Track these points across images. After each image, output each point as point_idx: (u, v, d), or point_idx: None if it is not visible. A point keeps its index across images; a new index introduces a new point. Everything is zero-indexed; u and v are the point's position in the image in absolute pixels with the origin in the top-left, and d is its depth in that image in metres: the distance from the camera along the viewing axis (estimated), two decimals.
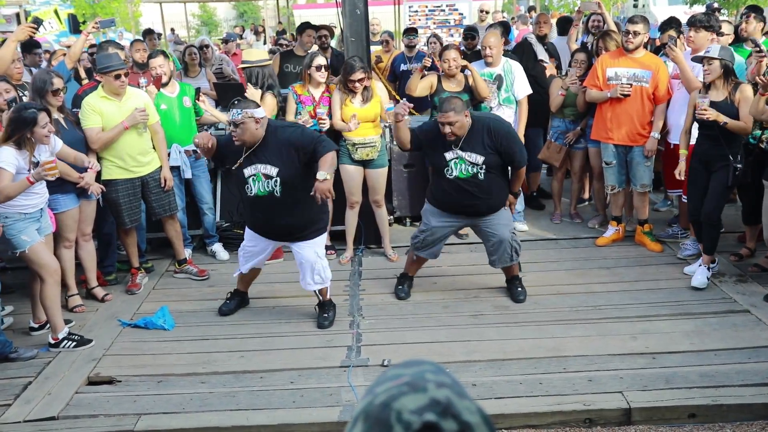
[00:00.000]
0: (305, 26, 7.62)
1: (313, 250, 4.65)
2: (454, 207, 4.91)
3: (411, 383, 0.81)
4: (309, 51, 7.02)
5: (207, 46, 8.57)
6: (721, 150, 5.02)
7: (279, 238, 4.75)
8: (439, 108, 4.80)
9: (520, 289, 5.15)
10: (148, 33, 10.26)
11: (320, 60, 5.75)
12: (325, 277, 4.74)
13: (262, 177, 4.44)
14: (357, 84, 5.56)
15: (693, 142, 5.58)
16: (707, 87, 5.11)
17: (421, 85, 6.03)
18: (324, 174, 4.22)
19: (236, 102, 4.45)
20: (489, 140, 4.73)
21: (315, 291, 4.82)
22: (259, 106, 4.49)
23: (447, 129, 4.63)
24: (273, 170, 4.41)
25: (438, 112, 4.82)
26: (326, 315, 4.87)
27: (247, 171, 4.46)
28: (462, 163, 4.75)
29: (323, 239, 4.81)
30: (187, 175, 5.93)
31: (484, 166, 4.73)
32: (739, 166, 5.00)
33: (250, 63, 6.02)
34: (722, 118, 4.91)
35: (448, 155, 4.76)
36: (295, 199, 4.47)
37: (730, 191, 5.30)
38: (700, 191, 5.25)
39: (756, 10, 6.27)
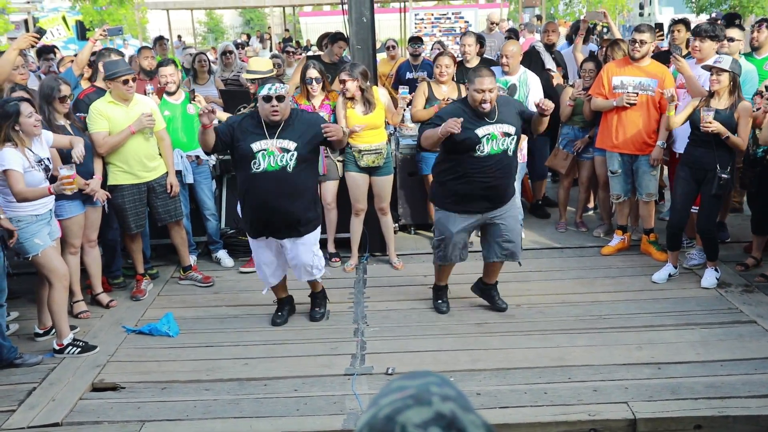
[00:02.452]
0: (339, 37, 7.63)
1: (310, 250, 4.69)
2: (478, 195, 4.62)
3: (416, 396, 0.81)
4: (335, 61, 7.11)
5: (230, 52, 8.65)
6: (712, 158, 5.07)
7: (277, 225, 4.56)
8: (471, 79, 4.54)
9: (498, 296, 5.12)
10: (159, 39, 10.33)
11: (312, 72, 5.77)
12: (321, 266, 4.86)
13: (275, 151, 4.41)
14: (346, 85, 5.56)
15: (681, 150, 5.62)
16: (711, 95, 5.13)
17: (419, 101, 6.05)
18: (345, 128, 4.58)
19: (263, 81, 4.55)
20: (515, 108, 4.68)
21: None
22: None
23: (487, 96, 4.41)
24: (292, 144, 4.42)
25: (468, 82, 4.58)
26: (318, 309, 5.01)
27: (256, 146, 4.40)
28: (494, 139, 4.51)
29: (317, 235, 4.80)
30: (189, 179, 5.96)
31: (514, 138, 4.58)
32: (724, 176, 5.03)
33: (256, 73, 6.04)
34: (726, 132, 4.94)
35: (481, 131, 4.49)
36: (301, 180, 4.51)
37: (719, 201, 5.31)
38: (682, 200, 5.35)
39: (767, 21, 6.32)
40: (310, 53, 9.39)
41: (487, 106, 4.47)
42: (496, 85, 4.53)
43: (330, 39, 7.79)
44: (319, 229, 4.83)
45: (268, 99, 4.35)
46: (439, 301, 5.15)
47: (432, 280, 5.58)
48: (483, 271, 5.12)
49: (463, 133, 4.42)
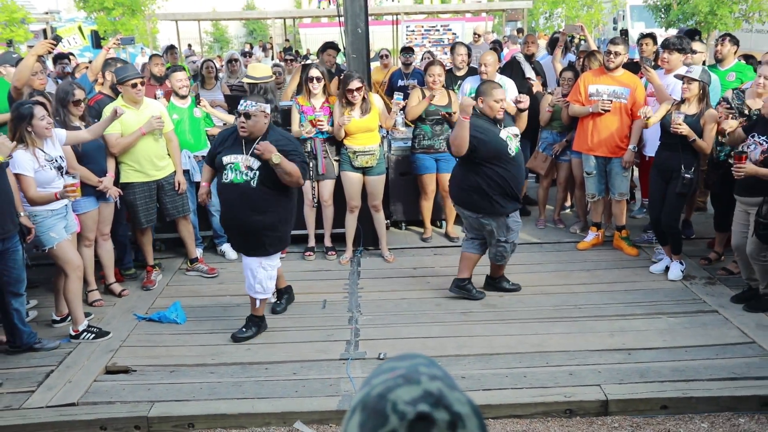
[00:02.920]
0: (328, 45, 7.64)
1: (259, 261, 4.39)
2: (513, 194, 4.80)
3: (406, 376, 0.81)
4: (328, 68, 7.08)
5: (236, 60, 8.64)
6: (678, 160, 5.11)
7: (240, 236, 4.40)
8: (487, 92, 4.70)
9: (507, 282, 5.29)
10: (171, 48, 10.30)
11: (314, 72, 5.78)
12: (267, 288, 4.48)
13: (241, 167, 4.21)
14: (355, 93, 5.56)
15: (650, 154, 5.66)
16: (682, 101, 5.17)
17: (414, 101, 6.06)
18: (278, 157, 4.06)
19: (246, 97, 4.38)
20: (508, 114, 4.92)
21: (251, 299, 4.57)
22: (268, 102, 4.41)
23: (503, 104, 4.72)
24: (255, 164, 4.18)
25: (484, 95, 4.72)
26: (245, 329, 4.59)
27: (226, 159, 4.23)
28: (511, 140, 4.74)
29: (276, 258, 4.50)
30: (197, 178, 5.94)
31: (519, 137, 4.88)
32: (687, 176, 5.09)
33: (254, 78, 6.04)
34: (693, 135, 4.98)
35: (503, 134, 4.71)
36: (263, 197, 4.23)
37: (683, 199, 5.36)
38: (659, 201, 5.39)
39: (729, 35, 6.40)
40: (309, 61, 9.33)
41: (502, 113, 4.72)
42: (505, 95, 4.77)
43: (320, 48, 7.80)
44: (277, 255, 4.51)
45: (238, 114, 4.22)
46: (478, 292, 5.15)
47: (421, 272, 5.62)
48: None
49: (491, 140, 4.63)
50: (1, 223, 4.10)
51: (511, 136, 4.76)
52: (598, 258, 5.95)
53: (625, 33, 7.59)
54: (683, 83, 5.13)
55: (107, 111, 5.07)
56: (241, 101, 4.23)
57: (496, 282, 5.26)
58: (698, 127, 5.06)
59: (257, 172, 4.20)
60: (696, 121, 5.07)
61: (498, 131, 4.70)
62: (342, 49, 7.46)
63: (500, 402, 3.79)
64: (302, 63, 8.36)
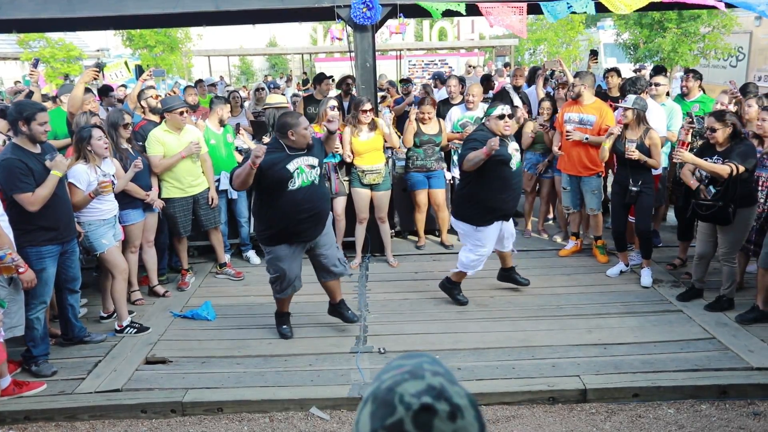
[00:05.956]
0: (322, 77, 7.69)
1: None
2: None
3: (411, 372, 0.81)
4: (326, 96, 7.10)
5: (262, 89, 8.72)
6: (628, 177, 5.15)
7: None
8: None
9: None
10: (200, 81, 10.38)
11: (332, 102, 5.85)
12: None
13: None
14: (368, 113, 5.59)
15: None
16: (626, 127, 5.20)
17: (408, 136, 6.10)
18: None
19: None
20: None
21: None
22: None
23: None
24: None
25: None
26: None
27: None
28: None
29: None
30: (234, 195, 5.98)
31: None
32: (634, 188, 5.12)
33: (270, 105, 6.18)
34: (643, 158, 5.03)
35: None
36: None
37: (649, 208, 5.29)
38: (619, 211, 5.37)
39: (693, 71, 6.46)
40: (310, 92, 9.33)
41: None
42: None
43: (315, 79, 7.78)
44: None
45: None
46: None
47: (423, 276, 5.61)
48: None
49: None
50: (67, 227, 4.14)
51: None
52: (577, 264, 5.92)
53: (594, 53, 7.59)
54: (622, 112, 5.18)
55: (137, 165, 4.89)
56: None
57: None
58: (643, 148, 5.08)
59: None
60: (641, 144, 5.09)
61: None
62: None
63: (491, 390, 3.77)
64: (303, 96, 8.38)
